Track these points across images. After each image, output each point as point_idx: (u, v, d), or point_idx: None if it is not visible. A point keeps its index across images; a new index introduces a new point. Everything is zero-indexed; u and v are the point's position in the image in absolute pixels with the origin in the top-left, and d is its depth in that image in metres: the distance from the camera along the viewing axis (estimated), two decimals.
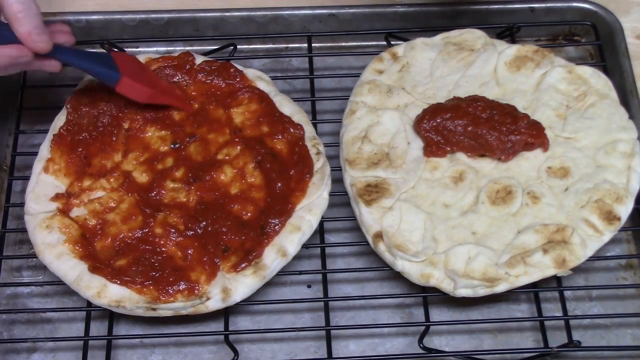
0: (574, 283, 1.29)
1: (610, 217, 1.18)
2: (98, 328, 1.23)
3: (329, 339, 1.18)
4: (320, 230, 1.26)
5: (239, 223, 1.17)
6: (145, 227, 1.17)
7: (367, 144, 1.26)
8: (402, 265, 1.17)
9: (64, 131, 1.24)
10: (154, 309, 1.12)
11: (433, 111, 1.25)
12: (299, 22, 1.50)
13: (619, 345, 1.25)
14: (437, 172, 1.24)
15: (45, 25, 1.10)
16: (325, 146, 1.28)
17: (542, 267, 1.15)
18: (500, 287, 1.15)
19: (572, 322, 1.21)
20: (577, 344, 1.17)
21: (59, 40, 1.17)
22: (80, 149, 1.23)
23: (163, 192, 1.20)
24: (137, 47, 1.51)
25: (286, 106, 1.30)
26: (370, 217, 1.19)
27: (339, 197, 1.28)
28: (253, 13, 1.49)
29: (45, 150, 1.24)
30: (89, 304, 1.18)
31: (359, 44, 1.54)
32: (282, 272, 1.19)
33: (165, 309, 1.12)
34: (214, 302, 1.13)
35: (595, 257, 1.21)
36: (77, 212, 1.19)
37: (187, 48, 1.50)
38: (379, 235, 1.18)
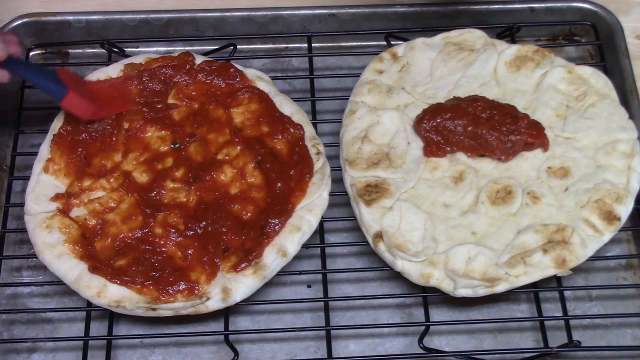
0: (574, 283, 1.29)
1: (610, 217, 1.18)
2: (98, 328, 1.23)
3: (329, 339, 1.18)
4: (320, 230, 1.26)
5: (239, 223, 1.17)
6: (145, 227, 1.17)
7: (367, 144, 1.26)
8: (402, 265, 1.17)
9: (63, 131, 1.24)
10: (154, 309, 1.12)
11: (433, 111, 1.25)
12: (299, 22, 1.50)
13: (619, 345, 1.25)
14: (437, 172, 1.24)
15: None
16: (325, 146, 1.28)
17: (542, 267, 1.15)
18: (500, 287, 1.15)
19: (572, 322, 1.21)
20: (577, 344, 1.17)
21: (10, 51, 1.17)
22: (80, 149, 1.23)
23: (163, 192, 1.20)
24: (137, 47, 1.51)
25: (286, 106, 1.30)
26: (370, 217, 1.19)
27: (339, 197, 1.29)
28: (253, 13, 1.49)
29: (45, 150, 1.24)
30: (89, 304, 1.18)
31: (359, 44, 1.54)
32: (282, 272, 1.19)
33: (165, 309, 1.12)
34: (214, 302, 1.13)
35: (595, 257, 1.21)
36: (77, 212, 1.19)
37: (187, 48, 1.50)
38: (379, 235, 1.18)
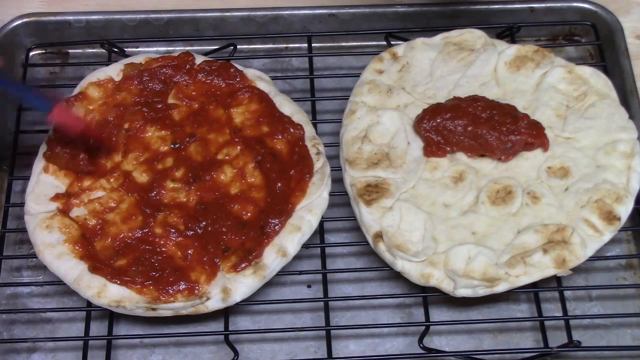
0: (574, 283, 1.29)
1: (610, 217, 1.18)
2: (98, 328, 1.23)
3: (329, 339, 1.18)
4: (320, 230, 1.26)
5: (239, 223, 1.17)
6: (145, 227, 1.17)
7: (367, 144, 1.26)
8: (402, 265, 1.17)
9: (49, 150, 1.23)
10: (154, 309, 1.12)
11: (433, 111, 1.25)
12: (299, 22, 1.50)
13: (619, 345, 1.25)
14: (437, 172, 1.24)
15: None
16: (325, 146, 1.28)
17: (542, 267, 1.15)
18: (500, 287, 1.15)
19: (572, 322, 1.21)
20: (577, 344, 1.17)
21: None
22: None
23: (163, 192, 1.20)
24: (137, 47, 1.51)
25: (286, 106, 1.30)
26: (370, 217, 1.19)
27: (339, 197, 1.29)
28: (253, 13, 1.49)
29: (45, 150, 1.24)
30: (89, 304, 1.18)
31: (359, 44, 1.54)
32: (282, 272, 1.19)
33: (165, 309, 1.12)
34: (214, 302, 1.13)
35: (595, 257, 1.21)
36: (77, 212, 1.19)
37: (187, 48, 1.50)
38: (379, 235, 1.18)
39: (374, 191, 1.21)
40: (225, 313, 1.20)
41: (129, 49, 1.47)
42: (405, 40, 1.40)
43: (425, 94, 1.32)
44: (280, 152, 1.24)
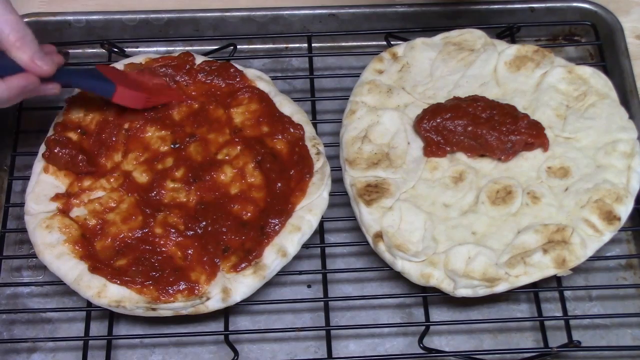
0: (574, 283, 1.29)
1: (610, 217, 1.18)
2: (98, 328, 1.23)
3: (329, 339, 1.18)
4: (320, 230, 1.26)
5: (239, 223, 1.17)
6: (145, 227, 1.17)
7: (367, 144, 1.26)
8: (402, 265, 1.17)
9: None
10: (154, 309, 1.12)
11: (433, 111, 1.25)
12: (299, 22, 1.50)
13: (619, 345, 1.25)
14: (437, 172, 1.24)
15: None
16: (325, 146, 1.28)
17: (542, 267, 1.15)
18: (500, 287, 1.15)
19: (572, 322, 1.21)
20: (577, 344, 1.17)
21: (57, 62, 1.16)
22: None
23: (163, 192, 1.20)
24: (137, 47, 1.51)
25: (286, 106, 1.30)
26: (370, 217, 1.19)
27: (339, 197, 1.29)
28: (253, 13, 1.49)
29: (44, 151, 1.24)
30: (89, 304, 1.18)
31: (359, 44, 1.54)
32: (282, 272, 1.19)
33: (165, 309, 1.12)
34: (214, 302, 1.13)
35: (595, 257, 1.21)
36: (77, 212, 1.19)
37: (187, 48, 1.50)
38: (379, 235, 1.18)
39: (374, 191, 1.21)
40: (225, 313, 1.20)
41: (129, 49, 1.47)
42: (405, 40, 1.40)
43: (425, 94, 1.32)
44: (280, 152, 1.25)
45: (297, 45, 1.54)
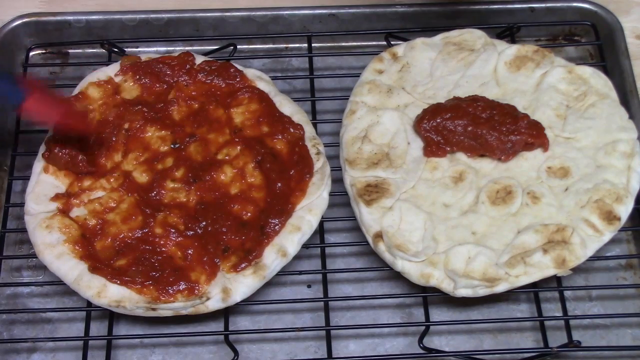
0: (574, 283, 1.29)
1: (610, 217, 1.18)
2: (98, 328, 1.23)
3: (329, 339, 1.18)
4: (320, 230, 1.26)
5: (239, 223, 1.17)
6: (145, 227, 1.17)
7: (367, 144, 1.26)
8: (402, 265, 1.17)
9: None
10: (154, 309, 1.12)
11: (433, 111, 1.25)
12: (299, 22, 1.50)
13: (619, 345, 1.25)
14: (437, 172, 1.24)
15: None
16: (325, 146, 1.28)
17: (542, 267, 1.15)
18: (500, 287, 1.15)
19: (572, 322, 1.21)
20: (577, 344, 1.17)
21: None
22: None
23: (163, 192, 1.20)
24: (137, 47, 1.51)
25: (286, 106, 1.30)
26: (370, 217, 1.19)
27: (339, 197, 1.29)
28: (253, 13, 1.49)
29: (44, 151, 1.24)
30: (89, 304, 1.18)
31: (359, 44, 1.54)
32: (282, 272, 1.19)
33: (165, 309, 1.12)
34: (214, 302, 1.13)
35: (595, 257, 1.21)
36: (77, 212, 1.19)
37: (187, 48, 1.50)
38: (379, 235, 1.18)
39: (374, 191, 1.21)
40: (225, 313, 1.20)
41: (129, 49, 1.47)
42: (405, 40, 1.40)
43: (425, 94, 1.32)
44: (280, 152, 1.25)
45: (297, 45, 1.54)
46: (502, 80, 1.33)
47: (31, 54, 1.47)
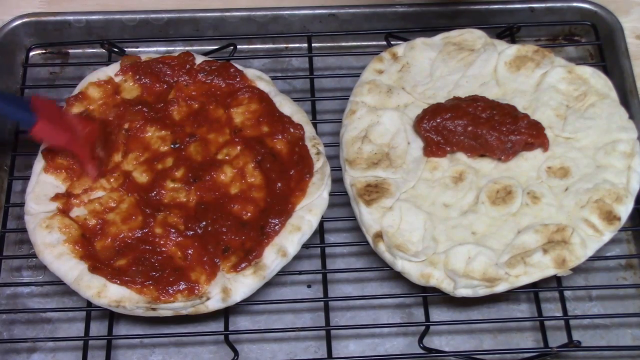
0: (574, 283, 1.29)
1: (610, 217, 1.18)
2: (98, 328, 1.23)
3: (329, 339, 1.18)
4: (320, 230, 1.26)
5: (239, 223, 1.17)
6: (145, 227, 1.17)
7: (367, 144, 1.26)
8: (402, 265, 1.17)
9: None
10: (154, 309, 1.12)
11: (433, 111, 1.25)
12: (299, 22, 1.50)
13: (619, 345, 1.25)
14: (437, 172, 1.24)
15: None
16: (325, 146, 1.28)
17: (542, 267, 1.15)
18: (500, 287, 1.15)
19: (572, 322, 1.21)
20: (577, 344, 1.17)
21: None
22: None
23: (163, 192, 1.20)
24: (137, 47, 1.51)
25: (286, 106, 1.30)
26: (370, 217, 1.19)
27: (339, 197, 1.29)
28: (253, 13, 1.49)
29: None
30: (89, 304, 1.18)
31: (359, 44, 1.54)
32: (282, 272, 1.19)
33: (165, 309, 1.12)
34: (214, 302, 1.13)
35: (595, 257, 1.21)
36: (77, 212, 1.19)
37: (187, 48, 1.50)
38: (379, 235, 1.18)
39: (374, 191, 1.21)
40: (225, 313, 1.20)
41: (129, 49, 1.47)
42: (405, 40, 1.40)
43: (425, 94, 1.32)
44: (280, 152, 1.24)
45: (297, 45, 1.54)
46: (502, 80, 1.33)
47: (31, 54, 1.47)
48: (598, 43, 1.46)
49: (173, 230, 1.16)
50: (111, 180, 1.21)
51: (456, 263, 1.15)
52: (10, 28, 1.46)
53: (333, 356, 1.17)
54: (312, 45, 1.45)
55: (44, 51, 1.52)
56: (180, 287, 1.11)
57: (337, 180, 1.28)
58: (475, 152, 1.25)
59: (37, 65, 1.49)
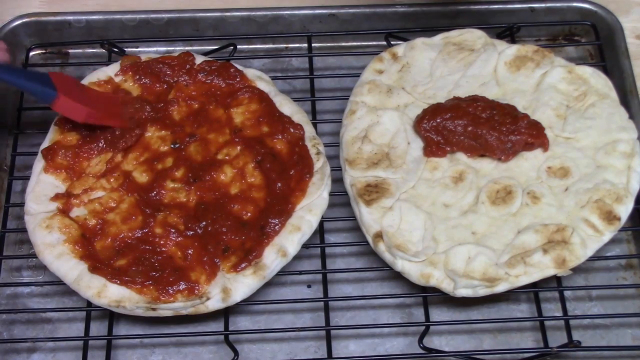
0: (574, 283, 1.29)
1: (610, 217, 1.18)
2: (98, 328, 1.23)
3: (329, 339, 1.18)
4: (320, 230, 1.26)
5: (239, 223, 1.17)
6: (145, 227, 1.17)
7: (367, 144, 1.26)
8: (402, 265, 1.17)
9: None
10: (154, 309, 1.12)
11: (433, 111, 1.25)
12: (299, 22, 1.50)
13: (619, 345, 1.25)
14: (437, 172, 1.24)
15: None
16: (325, 146, 1.28)
17: (542, 267, 1.15)
18: (500, 287, 1.15)
19: (572, 322, 1.21)
20: (577, 344, 1.17)
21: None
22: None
23: (163, 192, 1.20)
24: (137, 47, 1.51)
25: (286, 106, 1.30)
26: (370, 217, 1.19)
27: (339, 197, 1.29)
28: (253, 13, 1.49)
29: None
30: (89, 304, 1.18)
31: (359, 44, 1.54)
32: (282, 272, 1.19)
33: (165, 309, 1.12)
34: (214, 302, 1.13)
35: (595, 257, 1.21)
36: (77, 212, 1.19)
37: (187, 48, 1.50)
38: (379, 235, 1.18)
39: (374, 191, 1.21)
40: (225, 313, 1.20)
41: (129, 49, 1.47)
42: (405, 40, 1.40)
43: (425, 94, 1.32)
44: (280, 152, 1.24)
45: (297, 45, 1.54)
46: (502, 80, 1.33)
47: (31, 54, 1.47)
48: (598, 43, 1.46)
49: (173, 230, 1.16)
50: (111, 180, 1.21)
51: (456, 263, 1.15)
52: (10, 28, 1.47)
53: (333, 356, 1.17)
54: (312, 45, 1.45)
55: (44, 51, 1.52)
56: (180, 287, 1.11)
57: (337, 180, 1.28)
58: (475, 152, 1.25)
59: (37, 65, 1.49)
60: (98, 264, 1.13)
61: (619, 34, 1.46)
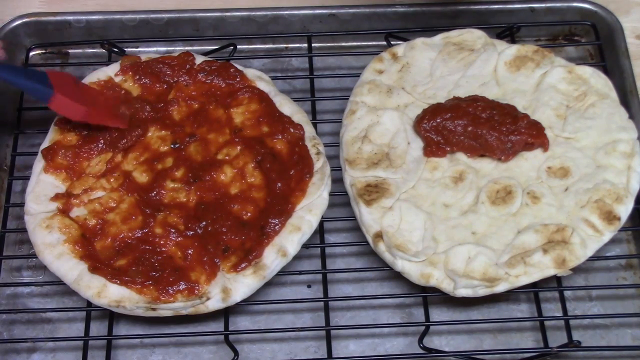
0: (574, 283, 1.29)
1: (610, 217, 1.18)
2: (98, 328, 1.24)
3: (329, 339, 1.18)
4: (320, 230, 1.26)
5: (239, 223, 1.17)
6: (145, 227, 1.17)
7: (367, 144, 1.26)
8: (402, 265, 1.17)
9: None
10: (154, 309, 1.12)
11: (433, 111, 1.25)
12: (299, 22, 1.50)
13: (619, 345, 1.25)
14: (437, 172, 1.24)
15: None
16: (325, 146, 1.28)
17: (542, 267, 1.15)
18: (500, 287, 1.15)
19: (572, 322, 1.21)
20: (577, 344, 1.17)
21: None
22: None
23: (163, 192, 1.20)
24: (137, 47, 1.51)
25: (286, 106, 1.30)
26: (370, 217, 1.19)
27: (339, 197, 1.29)
28: (253, 13, 1.49)
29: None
30: (89, 304, 1.18)
31: (359, 44, 1.54)
32: (282, 272, 1.19)
33: (165, 309, 1.12)
34: (214, 302, 1.13)
35: (595, 257, 1.21)
36: (77, 212, 1.19)
37: (187, 48, 1.50)
38: (379, 235, 1.18)
39: (374, 191, 1.21)
40: (225, 313, 1.20)
41: (129, 49, 1.47)
42: (405, 40, 1.40)
43: (425, 94, 1.32)
44: (280, 152, 1.24)
45: (297, 45, 1.54)
46: (502, 80, 1.33)
47: (31, 54, 1.47)
48: (598, 43, 1.46)
49: (173, 230, 1.16)
50: (111, 180, 1.21)
51: (456, 263, 1.15)
52: (10, 28, 1.47)
53: (333, 356, 1.17)
54: (312, 45, 1.45)
55: (44, 51, 1.52)
56: (180, 287, 1.11)
57: (337, 180, 1.28)
58: (475, 152, 1.25)
59: (37, 65, 1.49)
60: (98, 264, 1.13)
61: (619, 34, 1.46)
